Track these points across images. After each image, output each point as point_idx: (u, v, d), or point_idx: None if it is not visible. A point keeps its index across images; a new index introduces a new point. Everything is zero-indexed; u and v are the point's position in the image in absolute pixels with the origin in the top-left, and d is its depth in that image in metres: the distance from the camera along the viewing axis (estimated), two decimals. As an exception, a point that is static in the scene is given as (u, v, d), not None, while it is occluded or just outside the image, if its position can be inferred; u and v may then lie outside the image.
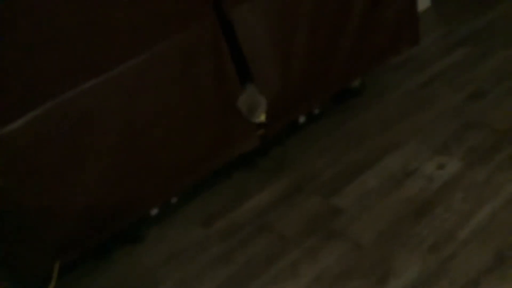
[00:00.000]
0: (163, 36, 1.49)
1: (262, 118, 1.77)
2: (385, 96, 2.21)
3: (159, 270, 1.65)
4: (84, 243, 1.59)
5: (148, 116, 1.54)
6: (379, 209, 1.62)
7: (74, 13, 1.33)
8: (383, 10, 1.97)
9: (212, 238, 1.72)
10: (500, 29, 2.47)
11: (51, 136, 1.38)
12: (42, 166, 1.40)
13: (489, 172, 1.63)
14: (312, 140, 2.05)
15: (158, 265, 1.67)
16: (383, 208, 1.62)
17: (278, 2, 1.68)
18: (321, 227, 1.62)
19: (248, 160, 2.00)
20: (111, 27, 1.40)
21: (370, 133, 1.99)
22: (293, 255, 1.55)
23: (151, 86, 1.52)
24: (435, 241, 1.45)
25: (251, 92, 1.72)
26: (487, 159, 1.68)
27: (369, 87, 2.29)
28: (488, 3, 2.73)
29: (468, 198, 1.56)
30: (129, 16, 1.42)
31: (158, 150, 1.60)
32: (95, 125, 1.45)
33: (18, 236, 1.44)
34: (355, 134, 2.02)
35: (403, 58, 2.41)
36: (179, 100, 1.59)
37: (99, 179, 1.51)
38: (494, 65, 2.19)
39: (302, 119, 2.10)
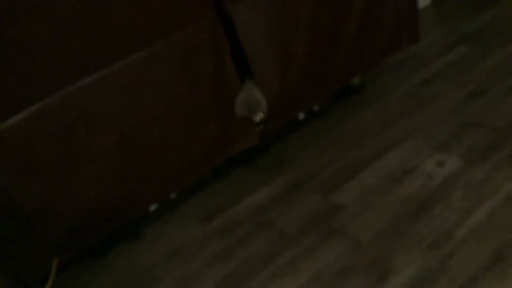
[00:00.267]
0: (162, 34, 1.49)
1: (261, 116, 1.77)
2: (385, 94, 2.21)
3: (158, 267, 1.65)
4: (83, 241, 1.59)
5: (148, 114, 1.53)
6: (379, 207, 1.62)
7: (73, 9, 1.32)
8: (383, 8, 1.96)
9: (211, 236, 1.71)
10: (500, 28, 2.47)
11: (49, 133, 1.38)
12: (40, 163, 1.40)
13: (489, 170, 1.63)
14: (312, 138, 2.05)
15: (157, 262, 1.67)
16: (383, 205, 1.62)
17: (279, 0, 1.68)
18: (321, 224, 1.62)
19: (248, 157, 2.00)
20: (110, 24, 1.39)
21: (370, 131, 1.99)
22: (292, 252, 1.55)
23: (151, 83, 1.51)
24: (434, 239, 1.45)
25: (249, 90, 1.72)
26: (487, 157, 1.69)
27: (369, 85, 2.29)
28: (488, 1, 2.73)
29: (468, 196, 1.56)
30: (128, 14, 1.42)
31: (158, 148, 1.60)
32: (94, 123, 1.44)
33: (16, 234, 1.44)
34: (355, 132, 2.02)
35: (403, 56, 2.41)
36: (179, 98, 1.59)
37: (98, 177, 1.50)
38: (493, 63, 2.19)
39: (301, 116, 2.10)
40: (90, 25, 1.36)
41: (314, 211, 1.69)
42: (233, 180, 1.95)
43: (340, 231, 1.58)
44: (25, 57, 1.30)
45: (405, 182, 1.69)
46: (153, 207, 1.80)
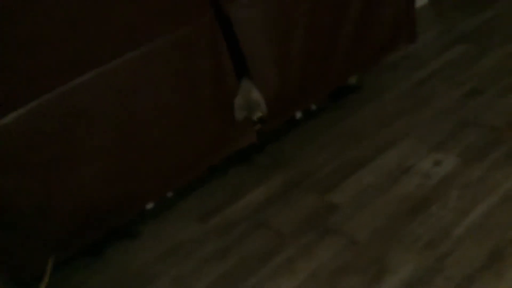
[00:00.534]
0: (160, 32, 1.49)
1: (259, 115, 1.77)
2: (382, 94, 2.21)
3: (155, 266, 1.65)
4: (79, 240, 1.59)
5: (145, 112, 1.53)
6: (376, 206, 1.62)
7: (71, 8, 1.32)
8: (381, 8, 1.97)
9: (208, 234, 1.71)
10: (497, 27, 2.47)
11: (45, 132, 1.38)
12: (36, 161, 1.39)
13: (485, 170, 1.63)
14: (309, 137, 2.05)
15: (154, 261, 1.66)
16: (380, 205, 1.62)
17: (276, 0, 1.67)
18: (317, 223, 1.62)
19: (245, 156, 2.00)
20: (108, 22, 1.39)
21: (367, 130, 1.99)
22: (289, 251, 1.55)
23: (148, 82, 1.51)
24: (431, 238, 1.45)
25: (247, 91, 1.72)
26: (484, 156, 1.69)
27: (367, 85, 2.29)
28: (485, 1, 2.73)
29: (464, 195, 1.56)
30: (126, 12, 1.41)
31: (155, 147, 1.60)
32: (91, 121, 1.44)
33: (11, 233, 1.44)
34: (352, 131, 2.02)
35: (400, 56, 2.41)
36: (176, 97, 1.58)
37: (95, 176, 1.50)
38: (491, 63, 2.20)
39: (299, 115, 2.10)
40: (88, 24, 1.36)
41: (311, 210, 1.69)
42: (230, 179, 1.95)
43: (337, 230, 1.58)
44: (22, 55, 1.30)
45: (402, 181, 1.69)
46: (149, 205, 1.80)
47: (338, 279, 1.42)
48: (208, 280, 1.54)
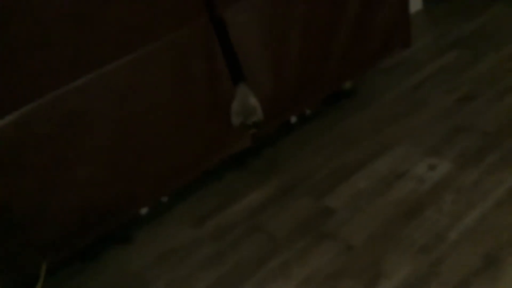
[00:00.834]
0: (155, 36, 1.48)
1: (256, 120, 1.77)
2: (376, 99, 2.21)
3: (149, 271, 1.64)
4: (73, 244, 1.58)
5: (139, 116, 1.53)
6: (370, 211, 1.62)
7: (66, 10, 1.32)
8: (375, 13, 1.97)
9: (202, 239, 1.71)
10: (491, 32, 2.49)
11: (39, 135, 1.37)
12: (30, 165, 1.39)
13: (480, 174, 1.64)
14: (304, 141, 2.05)
15: (148, 266, 1.66)
16: (374, 209, 1.62)
17: (271, 3, 1.68)
18: (312, 228, 1.62)
19: (240, 160, 2.00)
20: (102, 25, 1.39)
21: (361, 135, 2.00)
22: (284, 256, 1.55)
23: (142, 86, 1.51)
24: (425, 243, 1.45)
25: (243, 96, 1.72)
26: (478, 161, 1.69)
27: (361, 90, 2.30)
28: (480, 6, 2.75)
29: (459, 200, 1.57)
30: (121, 15, 1.41)
31: (149, 150, 1.59)
32: (85, 125, 1.44)
33: (5, 237, 1.43)
34: (347, 136, 2.02)
35: (394, 60, 2.41)
36: (171, 101, 1.58)
37: (89, 179, 1.50)
38: (484, 68, 2.21)
39: (294, 119, 2.11)
40: (82, 27, 1.36)
41: (305, 215, 1.69)
42: (225, 183, 1.95)
43: (332, 234, 1.58)
44: (16, 59, 1.29)
45: (396, 186, 1.69)
46: (144, 210, 1.79)
47: (333, 283, 1.42)
48: (202, 285, 1.53)
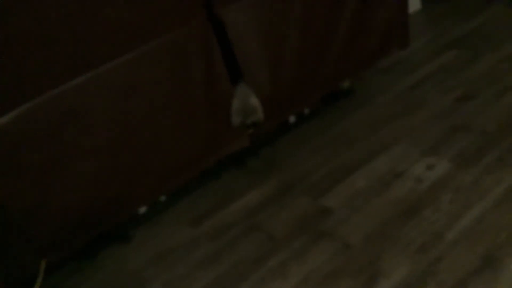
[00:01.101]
0: (153, 34, 1.48)
1: (256, 120, 1.77)
2: (374, 98, 2.21)
3: (146, 270, 1.64)
4: (71, 243, 1.58)
5: (138, 115, 1.52)
6: (368, 210, 1.62)
7: (64, 9, 1.32)
8: (374, 13, 1.97)
9: (200, 238, 1.71)
10: (489, 32, 2.49)
11: (37, 134, 1.37)
12: (28, 164, 1.38)
13: (478, 174, 1.64)
14: (302, 141, 2.05)
15: (145, 266, 1.65)
16: (372, 209, 1.62)
17: (270, 3, 1.68)
18: (310, 227, 1.62)
19: (238, 160, 2.00)
20: (101, 23, 1.39)
21: (359, 134, 2.00)
22: (282, 255, 1.55)
23: (141, 85, 1.50)
24: (423, 242, 1.45)
25: (244, 96, 1.72)
26: (476, 161, 1.70)
27: (359, 89, 2.30)
28: (478, 6, 2.75)
29: (457, 199, 1.57)
30: (119, 14, 1.41)
31: (147, 150, 1.59)
32: (83, 124, 1.43)
33: (3, 236, 1.42)
34: (345, 135, 2.02)
35: (392, 60, 2.42)
36: (169, 99, 1.58)
37: (86, 179, 1.49)
38: (483, 68, 2.21)
39: (292, 119, 2.11)
40: (83, 26, 1.36)
41: (303, 214, 1.68)
42: (223, 182, 1.94)
43: (330, 234, 1.58)
44: (15, 57, 1.29)
45: (394, 185, 1.70)
46: (142, 209, 1.79)
47: (331, 283, 1.41)
48: (200, 284, 1.53)
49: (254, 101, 1.73)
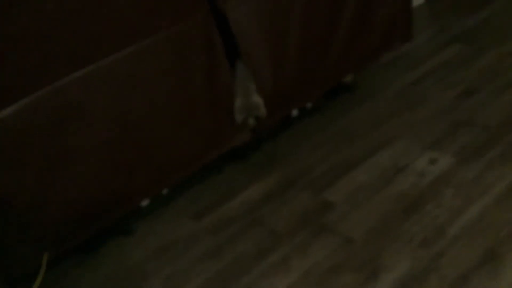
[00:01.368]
0: (156, 28, 1.48)
1: (260, 115, 1.78)
2: (377, 93, 2.21)
3: (148, 263, 1.64)
4: (74, 237, 1.58)
5: (140, 108, 1.52)
6: (370, 205, 1.62)
7: (66, 3, 1.31)
8: (376, 7, 1.97)
9: (202, 232, 1.71)
10: (492, 27, 2.48)
11: (39, 127, 1.37)
12: (30, 157, 1.39)
13: (480, 169, 1.64)
14: (304, 136, 2.05)
15: (147, 259, 1.66)
16: (374, 203, 1.62)
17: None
18: (312, 222, 1.62)
19: (240, 154, 2.00)
20: (103, 17, 1.38)
21: (362, 129, 1.99)
22: (283, 249, 1.55)
23: (143, 78, 1.50)
24: (425, 237, 1.45)
25: (246, 94, 1.72)
26: (478, 156, 1.69)
27: (361, 84, 2.29)
28: (481, 0, 2.74)
29: (459, 194, 1.57)
30: (121, 8, 1.41)
31: (150, 143, 1.59)
32: (85, 117, 1.43)
33: (5, 230, 1.43)
34: (347, 130, 2.02)
35: (395, 55, 2.41)
36: (171, 93, 1.58)
37: (89, 172, 1.49)
38: (486, 63, 2.20)
39: (294, 113, 2.10)
40: (84, 20, 1.36)
41: (305, 209, 1.68)
42: (225, 177, 1.94)
43: (332, 228, 1.58)
44: (17, 50, 1.29)
45: (396, 180, 1.69)
46: (145, 202, 1.79)
47: (332, 277, 1.42)
48: (202, 278, 1.54)
49: (257, 98, 1.73)
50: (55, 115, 1.37)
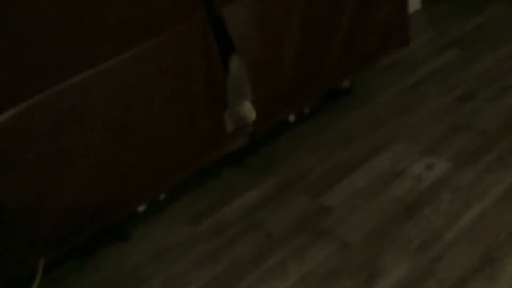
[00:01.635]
0: (154, 31, 1.48)
1: (252, 118, 1.77)
2: (374, 97, 2.21)
3: (146, 268, 1.63)
4: (71, 240, 1.57)
5: (137, 112, 1.52)
6: (368, 209, 1.62)
7: (65, 6, 1.31)
8: (374, 11, 1.97)
9: (200, 236, 1.70)
10: (489, 32, 2.49)
11: (38, 131, 1.36)
12: (28, 161, 1.38)
13: (477, 174, 1.64)
14: (301, 139, 2.05)
15: (145, 263, 1.65)
16: (372, 207, 1.62)
17: (269, 2, 1.67)
18: (310, 226, 1.62)
19: (237, 158, 2.00)
20: (101, 20, 1.38)
21: (359, 133, 2.00)
22: (281, 254, 1.55)
23: (141, 81, 1.50)
24: (422, 241, 1.45)
25: (236, 104, 1.72)
26: (475, 160, 1.70)
27: (359, 88, 2.29)
28: (478, 5, 2.75)
29: (456, 199, 1.57)
30: (119, 11, 1.41)
31: (147, 147, 1.59)
32: (83, 120, 1.43)
33: (1, 233, 1.42)
34: (344, 134, 2.02)
35: (393, 59, 2.42)
36: (169, 96, 1.58)
37: (86, 176, 1.49)
38: (483, 67, 2.21)
39: (292, 118, 2.10)
40: (82, 23, 1.35)
41: (303, 213, 1.68)
42: (222, 181, 1.94)
43: (329, 232, 1.58)
44: (16, 54, 1.28)
45: (394, 184, 1.69)
46: (142, 207, 1.79)
47: (330, 282, 1.42)
48: (199, 282, 1.53)
49: (246, 107, 1.73)
50: (55, 118, 1.37)
